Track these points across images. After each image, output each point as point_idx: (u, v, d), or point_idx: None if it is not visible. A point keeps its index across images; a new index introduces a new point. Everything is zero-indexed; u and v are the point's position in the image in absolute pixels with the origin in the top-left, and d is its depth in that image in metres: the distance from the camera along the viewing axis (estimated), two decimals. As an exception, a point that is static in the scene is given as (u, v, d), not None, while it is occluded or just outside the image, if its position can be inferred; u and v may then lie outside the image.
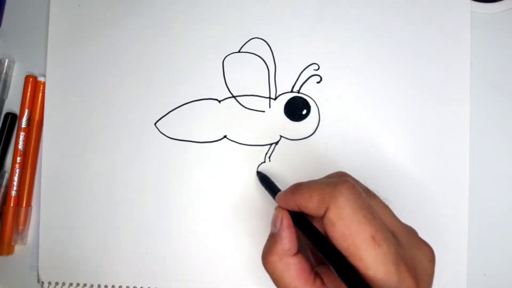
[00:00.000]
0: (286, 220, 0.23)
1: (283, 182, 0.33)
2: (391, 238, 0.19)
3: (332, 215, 0.20)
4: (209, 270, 0.33)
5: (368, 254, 0.19)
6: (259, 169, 0.33)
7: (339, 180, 0.21)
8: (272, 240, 0.23)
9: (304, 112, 0.34)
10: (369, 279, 0.18)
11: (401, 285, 0.19)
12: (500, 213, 0.33)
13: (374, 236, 0.19)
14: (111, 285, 0.34)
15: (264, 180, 0.31)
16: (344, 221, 0.19)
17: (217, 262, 0.33)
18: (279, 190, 0.28)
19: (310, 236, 0.21)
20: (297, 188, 0.23)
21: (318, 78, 0.34)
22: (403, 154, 0.33)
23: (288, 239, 0.22)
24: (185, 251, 0.34)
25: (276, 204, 0.25)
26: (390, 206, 0.23)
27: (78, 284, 0.34)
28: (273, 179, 0.32)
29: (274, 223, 0.24)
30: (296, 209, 0.23)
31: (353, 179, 0.24)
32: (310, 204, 0.21)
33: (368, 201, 0.21)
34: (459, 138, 0.33)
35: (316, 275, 0.22)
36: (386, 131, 0.33)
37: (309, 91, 0.34)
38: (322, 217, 0.21)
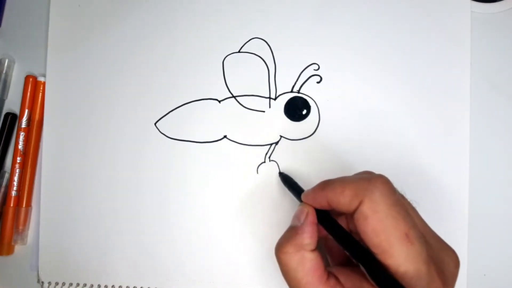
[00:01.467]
0: (312, 216, 0.22)
1: (283, 182, 0.33)
2: (423, 238, 0.19)
3: (366, 208, 0.19)
4: (209, 270, 0.33)
5: (401, 251, 0.18)
6: (281, 170, 0.33)
7: (374, 175, 0.21)
8: (292, 232, 0.22)
9: (304, 112, 0.34)
10: (400, 276, 0.18)
11: (431, 286, 0.18)
12: (500, 213, 0.33)
13: (408, 234, 0.18)
14: (111, 285, 0.34)
15: (287, 180, 0.31)
16: (379, 215, 0.19)
17: (217, 262, 0.33)
18: (302, 190, 0.27)
19: (336, 234, 0.21)
20: (327, 184, 0.22)
21: (318, 78, 0.34)
22: (403, 154, 0.33)
23: (309, 234, 0.22)
24: (185, 251, 0.34)
25: (291, 205, 0.25)
26: (417, 208, 0.23)
27: (78, 284, 0.34)
28: (272, 182, 0.32)
29: (298, 216, 0.23)
30: (325, 205, 0.22)
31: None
32: (342, 198, 0.21)
33: (402, 199, 0.20)
34: (459, 138, 0.33)
35: (330, 274, 0.22)
36: (386, 131, 0.33)
37: (309, 91, 0.34)
38: (352, 213, 0.20)
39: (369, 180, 0.20)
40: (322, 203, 0.22)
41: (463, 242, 0.32)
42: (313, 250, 0.22)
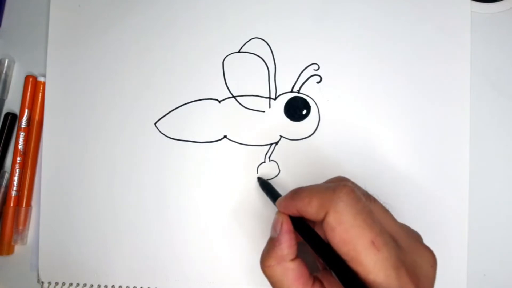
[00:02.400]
0: (286, 225, 0.23)
1: (283, 182, 0.33)
2: (391, 243, 0.19)
3: (331, 220, 0.20)
4: (209, 270, 0.33)
5: (369, 259, 0.19)
6: (259, 175, 0.33)
7: (339, 185, 0.21)
8: (271, 244, 0.23)
9: (304, 112, 0.34)
10: (370, 283, 0.18)
11: None
12: (500, 213, 0.33)
13: (374, 241, 0.19)
14: (111, 285, 0.34)
15: (265, 186, 0.31)
16: (344, 226, 0.19)
17: (217, 262, 0.33)
18: (279, 195, 0.28)
19: (310, 241, 0.21)
20: (297, 193, 0.23)
21: (318, 78, 0.34)
22: (403, 154, 0.33)
23: (287, 244, 0.22)
24: (185, 251, 0.34)
25: (276, 210, 0.25)
26: (390, 209, 0.23)
27: (78, 284, 0.34)
28: (272, 182, 0.32)
29: (274, 227, 0.24)
30: (296, 214, 0.23)
31: (353, 183, 0.24)
32: (310, 209, 0.21)
33: (368, 206, 0.21)
34: (459, 138, 0.33)
35: (316, 280, 0.22)
36: (386, 131, 0.33)
37: (309, 91, 0.34)
38: (321, 222, 0.21)
39: (333, 190, 0.20)
40: (293, 212, 0.23)
41: (463, 242, 0.32)
42: (294, 259, 0.22)
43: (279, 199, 0.25)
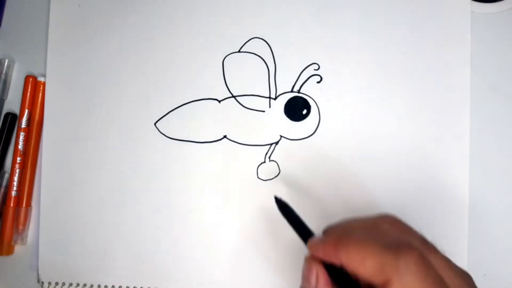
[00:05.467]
0: (323, 280, 0.20)
1: (283, 182, 0.33)
2: None
3: None
4: (209, 270, 0.33)
5: None
6: (277, 196, 0.27)
7: (402, 245, 0.18)
8: None
9: (304, 112, 0.34)
10: None
11: None
12: (500, 213, 0.33)
13: None
14: (111, 285, 0.34)
15: (285, 210, 0.26)
16: None
17: (217, 262, 0.33)
18: (309, 230, 0.24)
19: None
20: (342, 242, 0.19)
21: (318, 78, 0.34)
22: (403, 154, 0.33)
23: None
24: (185, 251, 0.34)
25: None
26: (448, 255, 0.21)
27: (78, 284, 0.34)
28: (273, 182, 0.31)
29: (306, 278, 0.20)
30: (337, 264, 0.19)
31: (409, 230, 0.21)
32: (362, 269, 0.18)
33: (438, 273, 0.18)
34: (459, 138, 0.33)
35: None
36: (386, 131, 0.33)
37: (309, 91, 0.34)
38: (377, 285, 0.18)
39: (397, 254, 0.17)
40: (334, 262, 0.19)
41: (463, 242, 0.32)
42: None
43: (314, 241, 0.21)
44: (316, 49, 0.34)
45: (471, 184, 0.33)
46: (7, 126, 0.35)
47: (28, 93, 0.35)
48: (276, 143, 0.34)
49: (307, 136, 0.34)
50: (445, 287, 0.18)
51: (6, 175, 0.35)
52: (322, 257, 0.20)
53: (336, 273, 0.19)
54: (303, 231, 0.23)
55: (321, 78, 0.34)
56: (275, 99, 0.34)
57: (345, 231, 0.20)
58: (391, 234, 0.20)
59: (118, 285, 0.34)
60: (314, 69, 0.34)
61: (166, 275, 0.34)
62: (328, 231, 0.22)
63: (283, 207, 0.26)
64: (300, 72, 0.34)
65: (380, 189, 0.33)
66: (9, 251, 0.35)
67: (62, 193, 0.35)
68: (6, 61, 0.36)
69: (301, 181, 0.33)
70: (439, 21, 0.34)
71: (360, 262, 0.18)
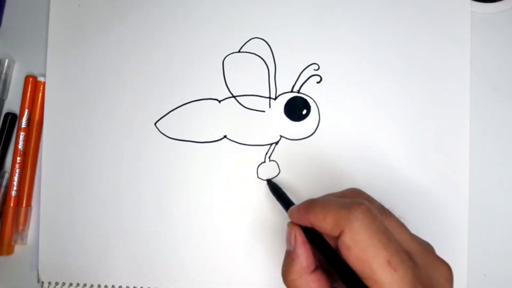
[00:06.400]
0: (300, 237, 0.23)
1: (283, 182, 0.33)
2: (408, 261, 0.19)
3: (347, 239, 0.20)
4: (209, 270, 0.33)
5: (384, 278, 0.19)
6: (268, 177, 0.33)
7: (354, 202, 0.21)
8: (289, 258, 0.23)
9: (304, 112, 0.34)
10: None
11: None
12: (500, 213, 0.33)
13: (390, 261, 0.19)
14: (111, 285, 0.34)
15: (275, 190, 0.31)
16: (360, 245, 0.19)
17: (217, 262, 0.33)
18: (291, 202, 0.27)
19: (324, 253, 0.21)
20: (311, 206, 0.22)
21: (318, 78, 0.34)
22: (403, 153, 0.33)
23: (304, 256, 0.22)
24: (185, 251, 0.34)
25: (285, 214, 0.24)
26: (406, 223, 0.22)
27: (78, 284, 0.34)
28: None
29: (288, 240, 0.24)
30: (309, 226, 0.22)
31: (368, 197, 0.24)
32: (324, 225, 0.21)
33: (384, 224, 0.20)
34: (459, 138, 0.33)
35: None
36: (386, 131, 0.33)
37: (309, 91, 0.34)
38: (336, 238, 0.21)
39: (349, 208, 0.20)
40: (306, 224, 0.23)
41: (463, 242, 0.32)
42: (314, 271, 0.22)
43: (292, 208, 0.24)
44: (316, 49, 0.34)
45: (471, 184, 0.33)
46: (7, 126, 0.35)
47: (28, 93, 0.35)
48: (276, 143, 0.34)
49: (307, 136, 0.34)
50: (389, 234, 0.20)
51: (6, 175, 0.35)
52: (296, 220, 0.23)
53: (312, 235, 0.22)
54: (288, 205, 0.26)
55: (321, 78, 0.34)
56: (275, 99, 0.34)
57: (316, 199, 0.23)
58: (351, 198, 0.24)
59: (118, 285, 0.34)
60: (314, 69, 0.34)
61: (166, 275, 0.34)
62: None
63: (274, 189, 0.31)
64: (300, 72, 0.34)
65: (379, 189, 0.33)
66: (9, 251, 0.35)
67: (62, 193, 0.35)
68: (6, 61, 0.36)
69: (301, 181, 0.33)
70: (439, 21, 0.34)
71: (323, 220, 0.21)
